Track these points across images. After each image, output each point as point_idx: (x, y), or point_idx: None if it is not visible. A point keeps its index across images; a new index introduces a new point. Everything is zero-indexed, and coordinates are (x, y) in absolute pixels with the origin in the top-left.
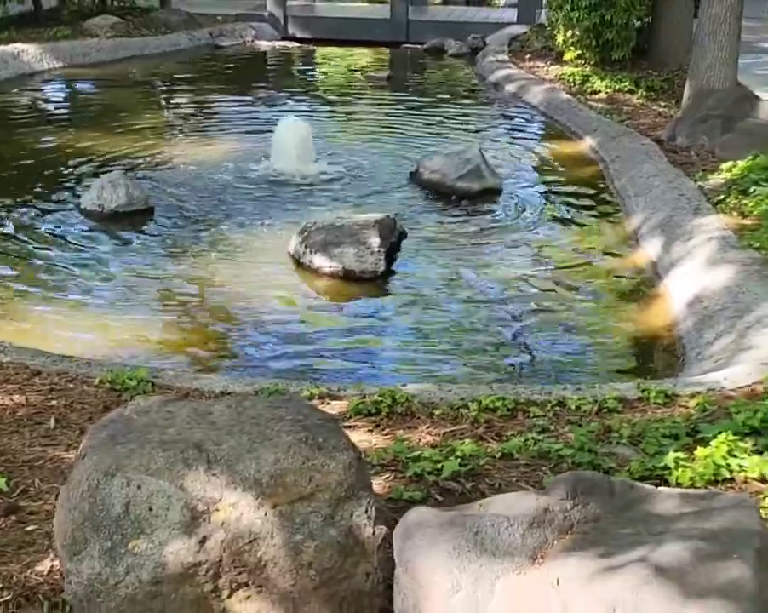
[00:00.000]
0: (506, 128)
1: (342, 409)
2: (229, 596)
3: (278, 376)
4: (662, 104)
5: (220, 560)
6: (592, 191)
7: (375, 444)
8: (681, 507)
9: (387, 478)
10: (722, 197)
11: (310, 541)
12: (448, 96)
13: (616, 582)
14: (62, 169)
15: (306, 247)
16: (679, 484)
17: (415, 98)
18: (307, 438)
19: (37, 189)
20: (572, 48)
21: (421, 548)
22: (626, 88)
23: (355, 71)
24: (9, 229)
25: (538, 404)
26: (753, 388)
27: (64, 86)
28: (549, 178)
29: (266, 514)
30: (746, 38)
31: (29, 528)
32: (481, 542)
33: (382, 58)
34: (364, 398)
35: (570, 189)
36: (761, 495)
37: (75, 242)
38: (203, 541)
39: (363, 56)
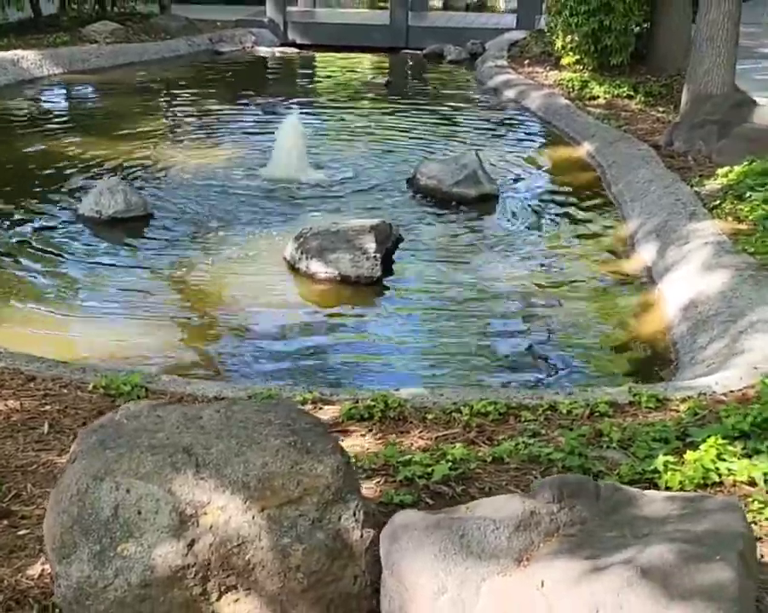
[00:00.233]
0: (504, 134)
1: (335, 414)
2: (218, 599)
3: (273, 382)
4: (661, 109)
5: (209, 563)
6: (588, 197)
7: (368, 449)
8: (667, 509)
9: (378, 482)
10: (718, 202)
11: (298, 544)
12: (447, 101)
13: (600, 584)
14: (60, 174)
15: (302, 252)
16: (668, 488)
17: (414, 103)
18: (295, 442)
19: (35, 195)
20: (571, 53)
21: (408, 551)
22: (624, 94)
23: (354, 76)
24: (7, 235)
25: (530, 409)
26: (744, 392)
27: (63, 92)
28: (546, 183)
29: (254, 518)
30: (745, 44)
31: (21, 532)
32: (467, 545)
33: (382, 64)
34: (357, 402)
35: (566, 194)
36: (750, 499)
37: (72, 248)
38: (191, 545)
39: (362, 62)
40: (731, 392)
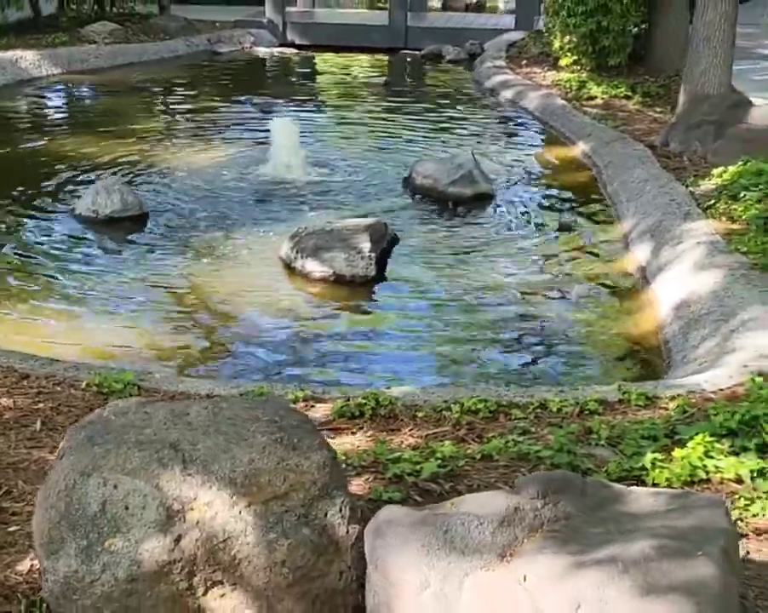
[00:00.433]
0: (500, 134)
1: (327, 412)
2: (204, 593)
3: (266, 380)
4: (658, 110)
5: (195, 558)
6: (584, 197)
7: (358, 446)
8: (652, 506)
9: (368, 479)
10: (712, 202)
11: (283, 539)
12: (444, 101)
13: (583, 579)
14: (58, 174)
15: (297, 252)
16: (655, 485)
17: (412, 103)
18: (282, 438)
19: (32, 194)
20: (569, 54)
21: (392, 546)
22: (622, 94)
23: (352, 77)
24: (3, 234)
25: (520, 407)
26: (733, 390)
27: (61, 92)
28: (542, 183)
29: (240, 513)
30: (744, 44)
31: (11, 529)
32: (451, 540)
33: (380, 64)
34: (348, 400)
35: (562, 194)
36: (736, 496)
37: (69, 247)
38: (178, 540)
39: (361, 62)
40: (721, 390)
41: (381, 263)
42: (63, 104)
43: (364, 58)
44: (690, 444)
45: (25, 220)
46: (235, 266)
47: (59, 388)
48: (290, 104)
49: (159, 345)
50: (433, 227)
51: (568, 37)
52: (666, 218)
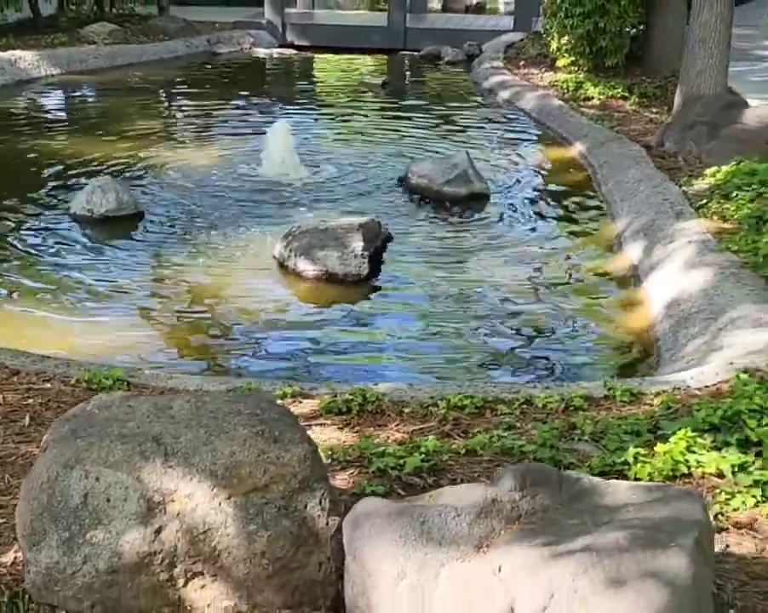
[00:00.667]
0: (497, 134)
1: (314, 408)
2: (185, 584)
3: (257, 377)
4: (655, 110)
5: (176, 550)
6: (579, 196)
7: (344, 442)
8: (629, 498)
9: (352, 473)
10: (705, 201)
11: (263, 531)
12: (441, 102)
13: (556, 570)
14: (54, 173)
15: (290, 250)
16: (637, 479)
17: (409, 104)
18: (263, 431)
19: (28, 193)
20: (566, 54)
21: (369, 537)
22: (619, 95)
23: (351, 77)
24: None
25: (506, 402)
26: (718, 387)
27: (60, 92)
28: (538, 183)
29: (220, 505)
30: (742, 46)
31: None
32: (428, 531)
33: (379, 65)
34: (336, 396)
35: (557, 194)
36: (717, 490)
37: (63, 246)
38: (158, 531)
39: (360, 63)
40: (706, 386)
41: (375, 262)
42: (61, 104)
43: (364, 59)
44: (672, 439)
45: (20, 218)
46: (229, 265)
47: (48, 384)
48: (288, 104)
49: (151, 342)
50: (428, 227)
51: (565, 37)
52: (659, 217)
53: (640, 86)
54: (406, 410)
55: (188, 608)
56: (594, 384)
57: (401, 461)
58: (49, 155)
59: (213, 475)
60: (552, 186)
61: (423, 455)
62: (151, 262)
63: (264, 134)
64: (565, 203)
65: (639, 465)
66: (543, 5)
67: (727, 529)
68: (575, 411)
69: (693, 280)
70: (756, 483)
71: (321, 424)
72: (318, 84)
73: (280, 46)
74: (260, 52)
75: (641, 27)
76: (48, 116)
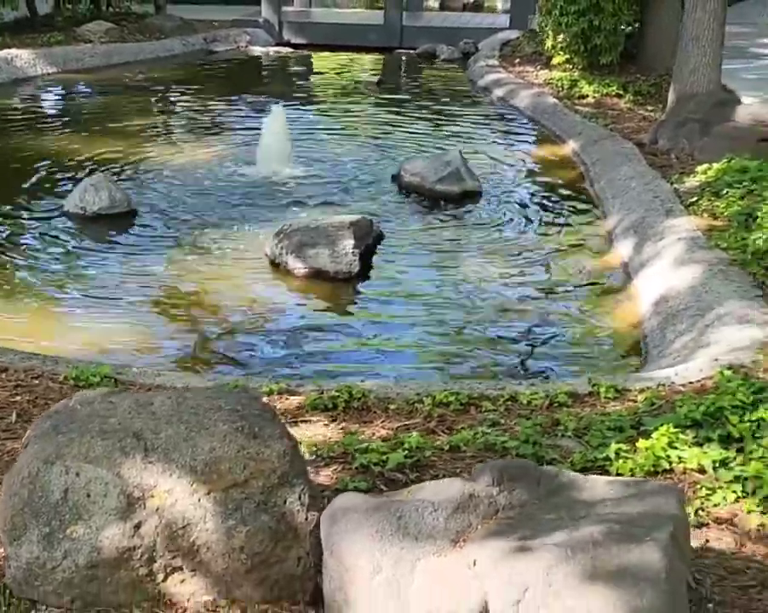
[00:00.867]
0: (490, 132)
1: (300, 405)
2: (164, 579)
3: (245, 374)
4: (649, 108)
5: (155, 545)
6: (572, 194)
7: (330, 438)
8: (606, 493)
9: (336, 469)
10: (695, 198)
11: (242, 526)
12: (436, 100)
13: (530, 563)
14: (48, 172)
15: (282, 248)
16: (619, 475)
17: (404, 102)
18: (243, 427)
19: (22, 191)
20: (561, 52)
21: (346, 532)
22: (613, 93)
23: (347, 75)
24: None
25: (491, 399)
26: (703, 383)
27: (56, 91)
28: (530, 181)
29: (199, 500)
30: (739, 43)
31: None
32: (404, 526)
33: (375, 63)
34: (322, 393)
35: (550, 191)
36: (698, 486)
37: (56, 243)
38: (138, 527)
39: (356, 62)
40: (690, 383)
41: (366, 260)
42: (57, 102)
43: (360, 57)
44: (654, 435)
45: (13, 216)
46: (221, 263)
47: (37, 382)
48: (284, 102)
49: (142, 339)
50: (420, 224)
51: (560, 35)
52: (649, 215)
53: (635, 84)
54: (392, 407)
55: (168, 602)
56: (579, 381)
57: (384, 458)
58: (43, 153)
59: (193, 471)
60: (545, 184)
61: (406, 452)
62: (143, 260)
63: (259, 130)
64: (558, 200)
65: (620, 461)
66: (539, 3)
67: (707, 524)
68: (559, 408)
69: (682, 277)
70: (737, 478)
71: (307, 420)
72: (314, 83)
73: (277, 44)
74: (257, 50)
75: (636, 25)
76: (43, 114)
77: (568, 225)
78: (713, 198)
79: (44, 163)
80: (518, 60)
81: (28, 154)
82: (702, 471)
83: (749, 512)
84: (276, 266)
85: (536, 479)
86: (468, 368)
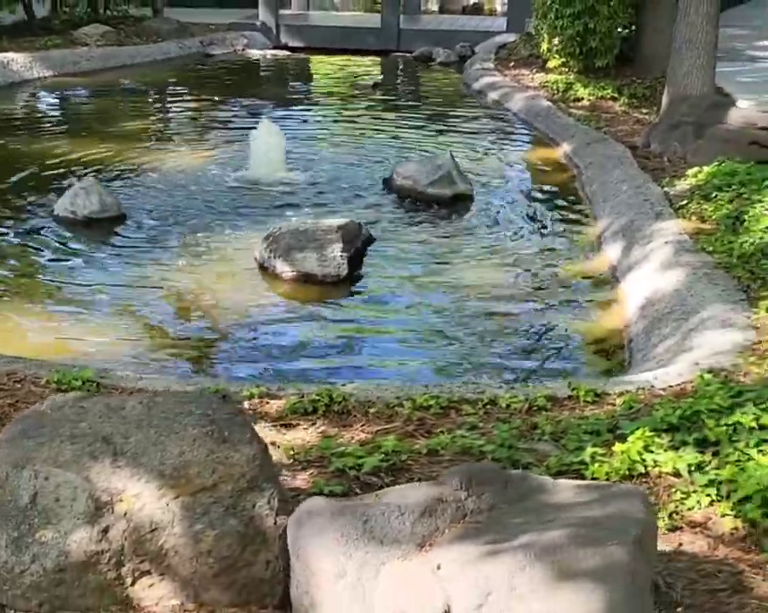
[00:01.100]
0: (484, 135)
1: (280, 408)
2: (132, 583)
3: (228, 377)
4: (644, 111)
5: (123, 549)
6: (564, 197)
7: (308, 442)
8: (575, 497)
9: (312, 473)
10: (684, 202)
11: (210, 530)
12: (432, 103)
13: (494, 567)
14: (40, 175)
15: (270, 252)
16: (594, 479)
17: (399, 105)
18: (213, 431)
19: (12, 194)
20: (556, 55)
21: (312, 536)
22: (608, 96)
23: (343, 79)
24: None
25: (470, 402)
26: (682, 387)
27: (52, 94)
28: (522, 184)
29: (168, 505)
30: (735, 46)
31: None
32: (370, 530)
33: (372, 66)
34: (302, 397)
35: (542, 195)
36: (673, 489)
37: (46, 248)
38: (106, 531)
39: (353, 64)
40: (670, 386)
41: (355, 263)
42: (52, 106)
43: (357, 60)
44: (630, 439)
45: (2, 219)
46: (211, 267)
47: (19, 386)
48: (279, 105)
49: (131, 344)
50: (410, 228)
51: (556, 39)
52: (638, 218)
53: (630, 87)
54: (372, 410)
55: (136, 606)
56: (559, 384)
57: (360, 461)
58: (36, 156)
59: (161, 475)
60: (537, 187)
61: (383, 455)
62: (133, 264)
63: (251, 134)
64: (550, 203)
65: (596, 464)
66: (534, 6)
67: (681, 527)
68: (538, 411)
69: (667, 281)
70: (711, 482)
71: (287, 424)
72: (310, 86)
73: (274, 47)
74: (254, 53)
75: (631, 28)
76: (37, 118)
77: (559, 228)
78: (702, 202)
79: (36, 166)
80: (513, 64)
81: (20, 157)
82: (677, 474)
83: (723, 515)
84: (264, 269)
85: (505, 483)
86: (455, 370)
